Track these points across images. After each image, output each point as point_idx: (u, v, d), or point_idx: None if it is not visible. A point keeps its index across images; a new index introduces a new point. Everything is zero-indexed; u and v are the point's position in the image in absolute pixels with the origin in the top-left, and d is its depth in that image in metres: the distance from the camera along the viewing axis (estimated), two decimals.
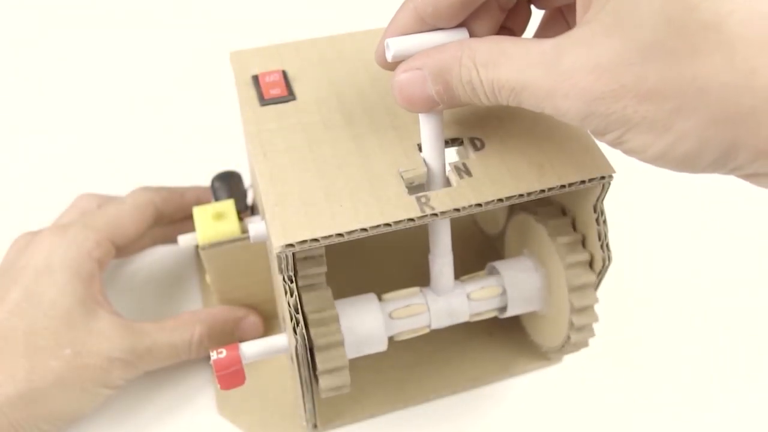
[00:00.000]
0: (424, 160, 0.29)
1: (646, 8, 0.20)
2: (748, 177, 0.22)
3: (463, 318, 0.34)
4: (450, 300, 0.33)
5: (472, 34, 0.26)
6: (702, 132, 0.20)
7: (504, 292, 0.34)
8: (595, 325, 0.34)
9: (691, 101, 0.20)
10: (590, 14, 0.22)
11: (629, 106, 0.21)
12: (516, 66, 0.23)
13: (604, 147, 0.29)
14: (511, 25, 0.28)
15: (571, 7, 0.27)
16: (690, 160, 0.21)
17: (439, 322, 0.34)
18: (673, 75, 0.20)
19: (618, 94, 0.21)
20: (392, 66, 0.27)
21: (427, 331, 0.34)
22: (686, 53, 0.20)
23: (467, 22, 0.26)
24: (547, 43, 0.22)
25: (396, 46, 0.26)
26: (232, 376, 0.31)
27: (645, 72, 0.20)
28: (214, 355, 0.30)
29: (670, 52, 0.20)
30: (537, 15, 0.30)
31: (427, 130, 0.28)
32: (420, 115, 0.28)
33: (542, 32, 0.30)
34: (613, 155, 0.29)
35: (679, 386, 0.39)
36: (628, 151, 0.23)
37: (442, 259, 0.32)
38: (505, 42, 0.24)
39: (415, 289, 0.34)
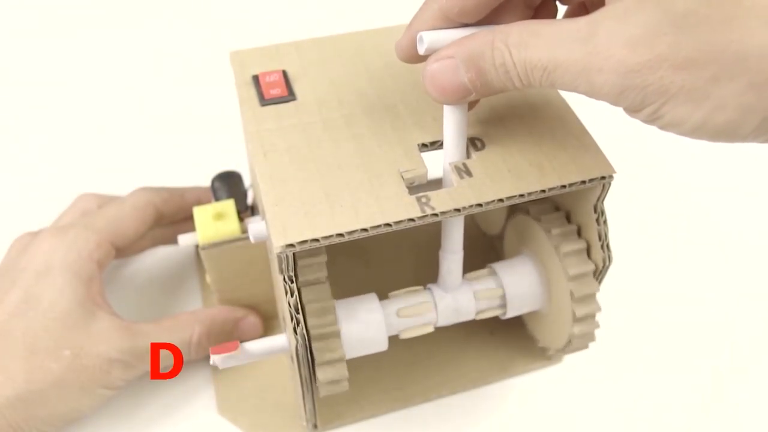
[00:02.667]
0: (444, 155, 0.29)
1: None
2: None
3: (470, 316, 0.34)
4: (457, 297, 0.33)
5: None
6: (741, 98, 0.20)
7: (505, 293, 0.34)
8: (595, 330, 0.34)
9: (728, 67, 0.20)
10: None
11: (666, 76, 0.21)
12: (549, 44, 0.23)
13: (603, 147, 0.30)
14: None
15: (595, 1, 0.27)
16: (730, 129, 0.21)
17: (446, 319, 0.34)
18: (708, 42, 0.20)
19: (653, 64, 0.21)
20: (416, 59, 0.27)
21: (432, 329, 0.34)
22: (721, 20, 0.20)
23: (494, 20, 0.26)
24: (580, 21, 0.22)
25: (429, 38, 0.26)
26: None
27: (679, 41, 0.20)
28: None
29: (704, 20, 0.20)
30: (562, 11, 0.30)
31: (452, 123, 0.28)
32: (445, 107, 0.27)
33: None
34: (612, 155, 0.29)
35: (679, 386, 0.39)
36: (665, 126, 0.22)
37: (452, 256, 0.32)
38: (536, 23, 0.24)
39: (421, 288, 0.34)
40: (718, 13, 0.20)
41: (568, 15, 0.30)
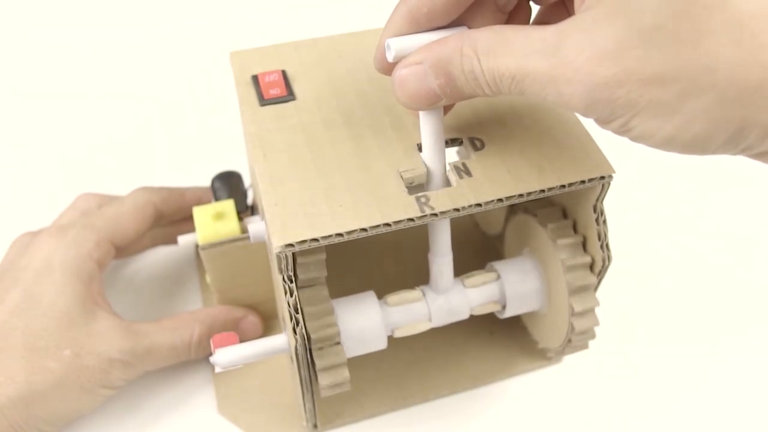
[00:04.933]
0: (424, 160, 0.29)
1: None
2: (759, 156, 0.22)
3: (464, 315, 0.34)
4: (450, 298, 0.33)
5: None
6: (711, 112, 0.20)
7: (503, 292, 0.34)
8: (595, 327, 0.34)
9: (698, 82, 0.20)
10: (591, 0, 0.22)
11: (633, 90, 0.20)
12: (517, 53, 0.22)
13: (603, 147, 0.30)
14: (512, 23, 0.28)
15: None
16: (700, 143, 0.21)
17: (440, 320, 0.34)
18: (677, 57, 0.20)
19: (621, 78, 0.20)
20: (391, 69, 0.26)
21: (427, 328, 0.34)
22: (690, 35, 0.20)
23: (466, 22, 0.26)
24: (549, 30, 0.22)
25: (397, 45, 0.25)
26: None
27: (648, 55, 0.20)
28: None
29: (673, 35, 0.20)
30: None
31: (428, 128, 0.28)
32: (420, 113, 0.27)
33: (541, 22, 0.29)
34: (612, 155, 0.29)
35: (678, 386, 0.39)
36: (635, 138, 0.22)
37: (441, 259, 0.32)
38: (505, 30, 0.23)
39: (417, 292, 0.34)
40: (687, 28, 0.20)
41: (540, 16, 0.29)
